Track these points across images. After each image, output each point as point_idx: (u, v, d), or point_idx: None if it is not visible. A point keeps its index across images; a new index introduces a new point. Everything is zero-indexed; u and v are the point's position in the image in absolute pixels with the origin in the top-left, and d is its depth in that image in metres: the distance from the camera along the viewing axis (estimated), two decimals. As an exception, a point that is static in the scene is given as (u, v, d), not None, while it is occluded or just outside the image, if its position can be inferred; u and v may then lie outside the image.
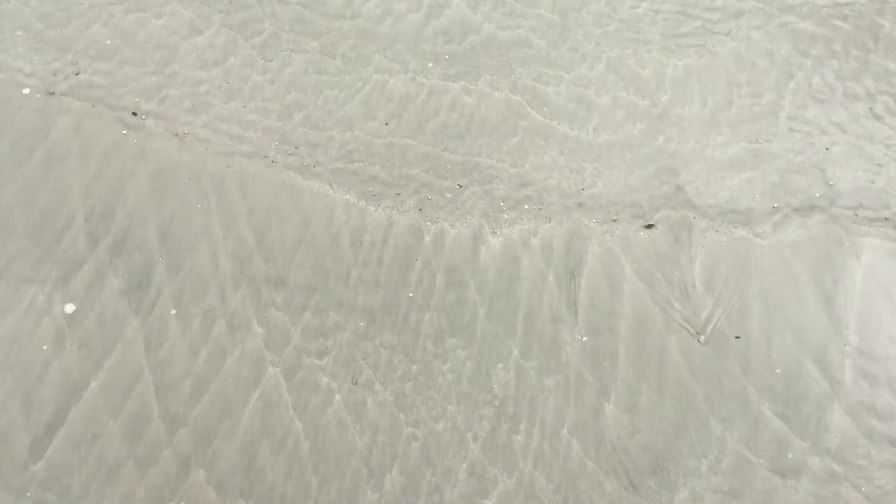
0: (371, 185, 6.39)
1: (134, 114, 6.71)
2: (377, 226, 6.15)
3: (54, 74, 6.93)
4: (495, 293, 5.85)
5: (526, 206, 6.32)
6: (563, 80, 7.19)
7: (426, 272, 5.92)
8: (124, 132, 6.58)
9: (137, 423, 5.19)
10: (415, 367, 5.50)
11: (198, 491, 4.96)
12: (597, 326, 5.73)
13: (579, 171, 6.56)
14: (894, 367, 5.59)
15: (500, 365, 5.53)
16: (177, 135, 6.60)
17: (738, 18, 7.76)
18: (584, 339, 5.67)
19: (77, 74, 6.93)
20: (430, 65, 7.24)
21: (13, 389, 5.28)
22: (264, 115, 6.78)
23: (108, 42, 7.19)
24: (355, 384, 5.41)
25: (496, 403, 5.37)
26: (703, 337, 5.69)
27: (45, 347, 5.44)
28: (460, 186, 6.41)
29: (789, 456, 5.22)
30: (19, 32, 7.22)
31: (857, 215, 6.35)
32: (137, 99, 6.82)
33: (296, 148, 6.58)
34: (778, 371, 5.56)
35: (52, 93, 6.79)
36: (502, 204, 6.33)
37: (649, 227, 6.24)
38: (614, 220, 6.27)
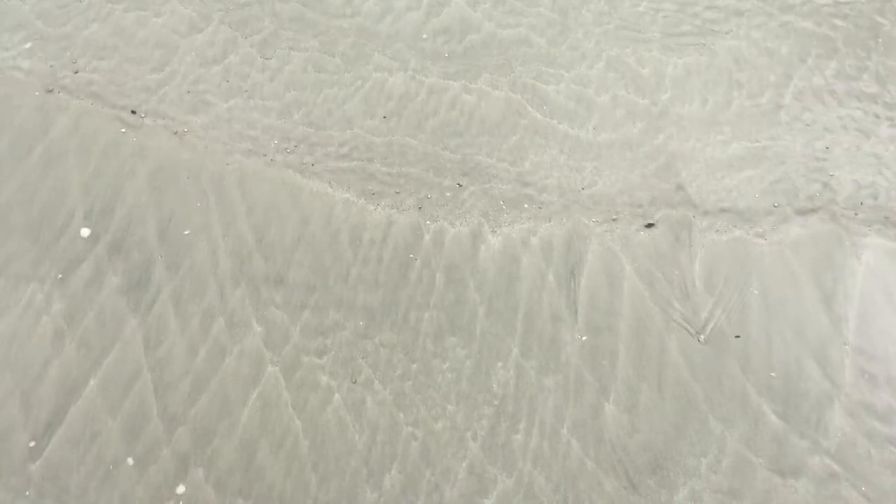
0: (370, 184, 6.38)
1: (133, 112, 6.71)
2: (377, 224, 6.14)
3: (53, 73, 6.92)
4: (495, 292, 5.84)
5: (526, 205, 6.32)
6: (562, 79, 7.18)
7: (426, 271, 5.92)
8: (123, 130, 6.57)
9: (136, 421, 5.18)
10: (414, 366, 5.49)
11: (197, 490, 4.96)
12: (596, 326, 5.72)
13: (579, 169, 6.55)
14: (894, 367, 5.58)
15: (500, 364, 5.52)
16: (176, 133, 6.59)
17: (739, 17, 7.75)
18: (584, 338, 5.66)
19: (76, 73, 6.92)
20: (430, 63, 7.23)
21: (12, 388, 5.27)
22: (264, 114, 6.77)
23: (108, 40, 7.18)
24: (355, 383, 5.40)
25: (496, 403, 5.37)
26: (702, 336, 5.68)
27: (43, 346, 5.43)
28: (460, 185, 6.41)
29: (789, 455, 5.22)
30: (18, 30, 7.21)
31: (857, 215, 6.34)
32: (137, 97, 6.81)
33: (295, 146, 6.57)
34: (778, 371, 5.56)
35: (51, 91, 6.78)
36: (502, 203, 6.32)
37: (649, 226, 6.23)
38: (614, 220, 6.26)
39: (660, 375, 5.52)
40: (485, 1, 7.76)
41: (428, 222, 6.18)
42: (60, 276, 5.74)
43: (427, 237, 6.09)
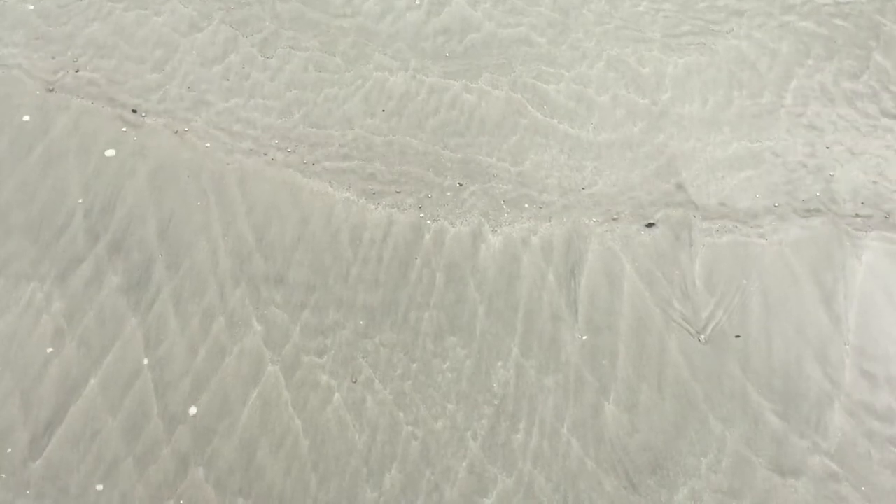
0: (371, 183, 6.38)
1: (133, 111, 6.71)
2: (377, 224, 6.14)
3: (54, 72, 6.92)
4: (495, 291, 5.84)
5: (526, 205, 6.32)
6: (563, 79, 7.18)
7: (426, 270, 5.92)
8: (124, 129, 6.57)
9: (136, 421, 5.18)
10: (414, 365, 5.49)
11: (197, 489, 4.96)
12: (597, 325, 5.72)
13: (579, 169, 6.55)
14: (895, 368, 5.58)
15: (500, 363, 5.52)
16: (176, 132, 6.59)
17: (739, 17, 7.75)
18: (584, 337, 5.66)
19: (77, 72, 6.92)
20: (431, 62, 7.22)
21: (12, 387, 5.27)
22: (264, 113, 6.77)
23: (108, 39, 7.18)
24: (355, 382, 5.40)
25: (496, 402, 5.37)
26: (703, 336, 5.68)
27: (43, 345, 5.43)
28: (460, 185, 6.41)
29: (789, 455, 5.22)
30: (19, 29, 7.21)
31: (857, 215, 6.34)
32: (137, 96, 6.81)
33: (296, 146, 6.57)
34: (778, 370, 5.56)
35: (52, 90, 6.78)
36: (502, 202, 6.32)
37: (650, 225, 6.23)
38: (614, 219, 6.26)
39: (660, 375, 5.52)
40: (485, 1, 7.76)
41: (428, 222, 6.18)
42: (62, 273, 5.74)
43: (427, 236, 6.09)
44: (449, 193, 6.36)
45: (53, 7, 7.39)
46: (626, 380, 5.50)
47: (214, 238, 5.98)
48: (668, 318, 5.77)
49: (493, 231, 6.15)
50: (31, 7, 7.38)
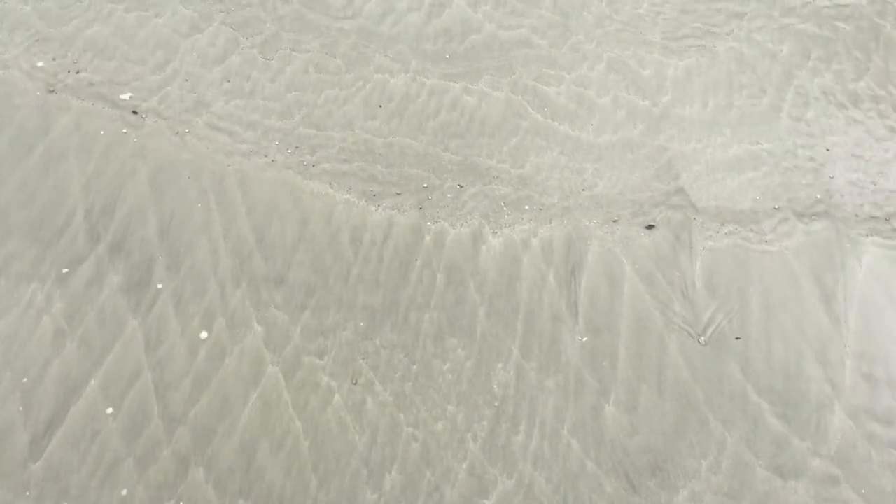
0: (371, 185, 6.38)
1: (134, 112, 6.71)
2: (377, 225, 6.14)
3: (55, 73, 6.92)
4: (495, 293, 5.84)
5: (526, 207, 6.32)
6: (563, 81, 7.18)
7: (426, 272, 5.92)
8: (124, 130, 6.58)
9: (137, 421, 5.18)
10: (415, 367, 5.49)
11: (197, 490, 4.95)
12: (597, 327, 5.72)
13: (580, 171, 6.55)
14: (895, 370, 5.58)
15: (500, 365, 5.52)
16: (177, 133, 6.60)
17: (739, 19, 7.76)
18: (584, 339, 5.66)
19: (78, 73, 6.92)
20: (431, 64, 7.23)
21: (12, 387, 5.27)
22: (265, 114, 6.77)
23: (109, 40, 7.18)
24: (355, 384, 5.40)
25: (496, 404, 5.37)
26: (703, 338, 5.68)
27: (44, 345, 5.43)
28: (461, 186, 6.41)
29: (789, 457, 5.22)
30: (20, 30, 7.21)
31: (857, 217, 6.34)
32: (138, 97, 6.81)
33: (296, 147, 6.57)
34: (778, 372, 5.56)
35: (53, 91, 6.78)
36: (503, 204, 6.33)
37: (650, 227, 6.24)
38: (615, 221, 6.27)
39: (660, 377, 5.52)
40: (486, 2, 7.76)
41: (429, 223, 6.18)
42: (64, 271, 5.74)
43: (428, 238, 6.09)
44: (449, 195, 6.36)
45: (54, 8, 7.39)
46: (627, 381, 5.50)
47: (215, 239, 5.98)
48: (669, 320, 5.77)
49: (494, 233, 6.16)
50: (33, 8, 7.39)
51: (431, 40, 7.43)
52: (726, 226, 6.27)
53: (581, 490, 5.05)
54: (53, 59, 7.02)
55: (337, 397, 5.34)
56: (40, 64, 6.97)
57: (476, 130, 6.79)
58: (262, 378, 5.39)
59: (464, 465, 5.12)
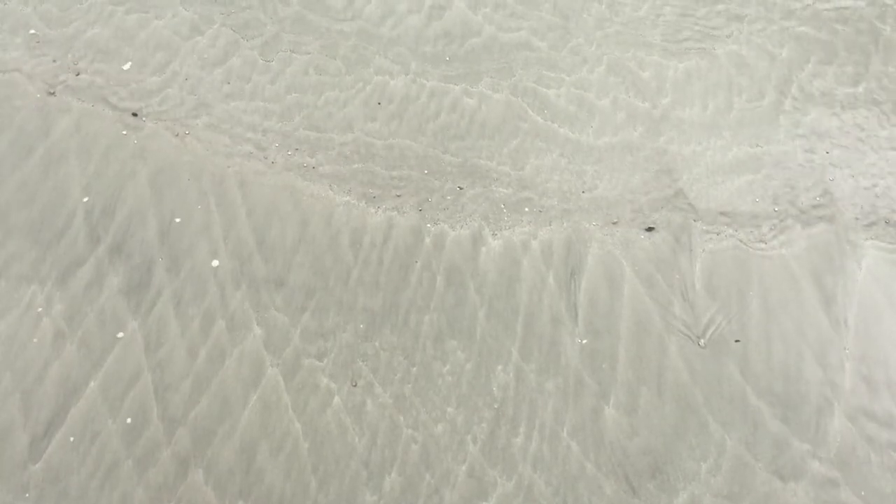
0: (371, 187, 6.38)
1: (134, 114, 6.71)
2: (377, 227, 6.14)
3: (55, 74, 6.93)
4: (495, 295, 5.85)
5: (526, 209, 6.32)
6: (563, 83, 7.19)
7: (426, 273, 5.92)
8: (124, 132, 6.58)
9: (137, 423, 5.18)
10: (414, 368, 5.49)
11: (196, 491, 4.95)
12: (597, 329, 5.72)
13: (580, 173, 6.56)
14: (894, 372, 5.58)
15: (500, 367, 5.53)
16: (177, 135, 6.60)
17: (739, 22, 7.76)
18: (584, 341, 5.66)
19: (78, 74, 6.93)
20: (431, 66, 7.24)
21: (12, 389, 5.27)
22: (265, 116, 6.78)
23: (109, 42, 7.19)
24: (355, 386, 5.40)
25: (495, 406, 5.37)
26: (703, 340, 5.69)
27: (44, 347, 5.43)
28: (461, 188, 6.41)
29: (789, 460, 5.22)
30: (20, 32, 7.22)
31: (857, 219, 6.34)
32: (138, 99, 6.82)
33: (296, 149, 6.58)
34: (778, 374, 5.56)
35: (53, 93, 6.79)
36: (503, 206, 6.33)
37: (650, 230, 6.24)
38: (615, 223, 6.27)
39: (660, 379, 5.52)
40: (486, 4, 7.77)
41: (428, 225, 6.18)
42: (62, 275, 5.75)
43: (428, 240, 6.09)
44: (449, 197, 6.37)
45: (55, 10, 7.40)
46: (626, 383, 5.50)
47: (215, 241, 5.98)
48: (668, 323, 5.77)
49: (494, 235, 6.16)
50: (33, 10, 7.39)
51: (431, 42, 7.44)
52: (726, 228, 6.28)
53: (581, 492, 5.05)
54: (54, 61, 7.02)
55: (337, 399, 5.34)
56: (40, 66, 6.97)
57: (476, 132, 6.79)
58: (261, 380, 5.39)
59: (463, 467, 5.12)
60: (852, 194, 6.51)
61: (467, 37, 7.51)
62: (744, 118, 7.00)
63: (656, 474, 5.15)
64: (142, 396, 5.28)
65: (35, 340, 5.47)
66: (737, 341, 5.69)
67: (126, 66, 6.95)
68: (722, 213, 6.36)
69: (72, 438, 5.11)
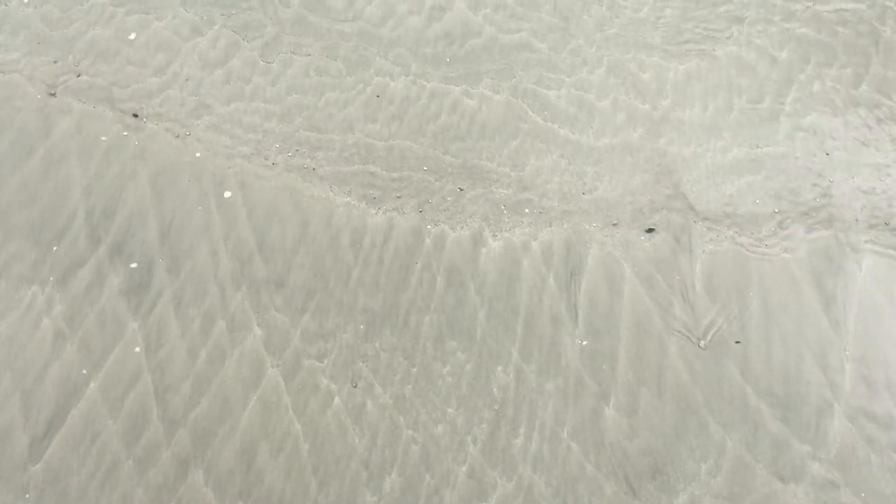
0: (371, 188, 6.38)
1: (135, 115, 6.72)
2: (377, 228, 6.15)
3: (56, 75, 6.93)
4: (495, 296, 5.85)
5: (526, 210, 6.32)
6: (563, 84, 7.19)
7: (426, 274, 5.92)
8: (125, 133, 6.59)
9: (137, 423, 5.18)
10: (414, 369, 5.49)
11: (196, 492, 4.95)
12: (597, 330, 5.72)
13: (580, 174, 6.56)
14: (894, 373, 5.58)
15: (500, 368, 5.53)
16: (177, 136, 6.61)
17: (740, 24, 7.77)
18: (584, 342, 5.66)
19: (79, 76, 6.94)
20: (431, 68, 7.24)
21: (13, 389, 5.27)
22: (265, 117, 6.78)
23: (110, 43, 7.20)
24: (355, 386, 5.40)
25: (496, 406, 5.37)
26: (703, 341, 5.69)
27: (44, 347, 5.44)
28: (461, 189, 6.41)
29: (789, 461, 5.22)
30: (21, 33, 7.22)
31: (857, 221, 6.35)
32: (139, 100, 6.82)
33: (296, 150, 6.58)
34: (778, 375, 5.56)
35: (54, 94, 6.79)
36: (503, 207, 6.33)
37: (650, 231, 6.24)
38: (615, 224, 6.27)
39: (660, 380, 5.52)
40: (486, 6, 7.78)
41: (429, 226, 6.18)
42: (63, 276, 5.75)
43: (428, 241, 6.09)
44: (449, 198, 6.37)
45: (56, 11, 7.41)
46: (626, 384, 5.50)
47: (215, 241, 5.98)
48: (668, 324, 5.77)
49: (494, 236, 6.16)
50: (34, 11, 7.40)
51: (432, 44, 7.44)
52: (726, 229, 6.28)
53: (581, 493, 5.05)
54: (55, 62, 7.03)
55: (337, 400, 5.34)
56: (41, 67, 6.98)
57: (476, 133, 6.80)
58: (262, 381, 5.39)
59: (463, 468, 5.12)
60: (852, 196, 6.51)
61: (468, 38, 7.52)
62: (744, 119, 7.01)
63: (656, 475, 5.15)
64: (142, 397, 5.28)
65: (35, 341, 5.47)
66: (737, 342, 5.69)
67: (131, 36, 6.96)
68: (722, 215, 6.36)
69: (72, 439, 5.11)
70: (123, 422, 5.18)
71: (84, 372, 5.36)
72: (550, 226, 6.24)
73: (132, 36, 7.26)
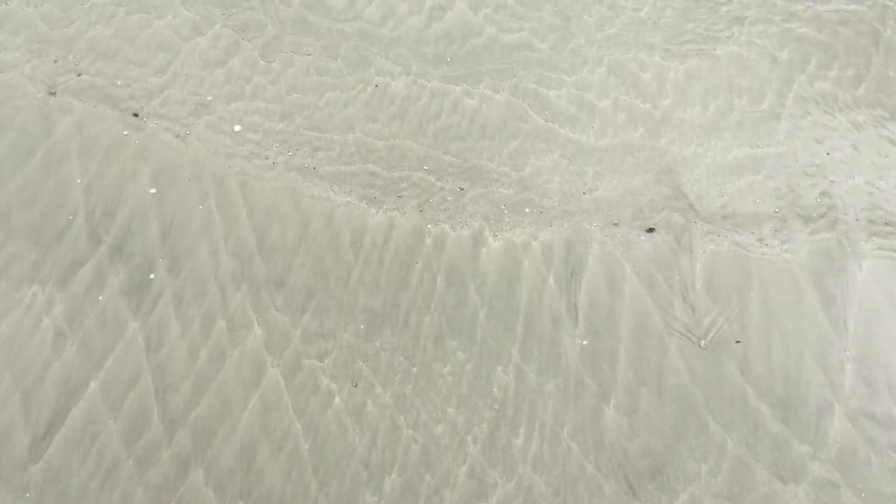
0: (372, 187, 6.39)
1: (135, 114, 6.72)
2: (378, 227, 6.15)
3: (56, 75, 6.93)
4: (496, 295, 5.85)
5: (527, 210, 6.32)
6: (564, 84, 7.19)
7: (427, 274, 5.92)
8: (126, 133, 6.59)
9: (137, 423, 5.18)
10: (415, 369, 5.50)
11: (197, 492, 4.95)
12: (597, 330, 5.72)
13: (580, 174, 6.56)
14: (895, 373, 5.58)
15: (500, 368, 5.53)
16: (178, 135, 6.60)
17: (741, 24, 7.77)
18: (585, 342, 5.66)
19: (79, 75, 6.93)
20: (432, 67, 7.24)
21: (13, 389, 5.27)
22: (266, 117, 6.78)
23: (111, 43, 7.20)
24: (355, 386, 5.40)
25: (496, 406, 5.37)
26: (703, 341, 5.69)
27: (44, 347, 5.44)
28: (461, 189, 6.42)
29: (789, 461, 5.22)
30: (21, 33, 7.22)
31: (858, 220, 6.35)
32: (139, 100, 6.82)
33: (297, 149, 6.58)
34: (778, 375, 5.56)
35: (54, 93, 6.79)
36: (503, 207, 6.33)
37: (650, 231, 6.24)
38: (615, 224, 6.27)
39: (660, 380, 5.52)
40: (487, 5, 7.78)
41: (429, 226, 6.18)
42: (63, 275, 5.75)
43: (428, 240, 6.09)
44: (450, 198, 6.37)
45: (56, 10, 7.40)
46: (627, 384, 5.50)
47: (215, 241, 5.99)
48: (669, 324, 5.77)
49: (494, 235, 6.16)
50: (34, 10, 7.40)
51: (432, 43, 7.44)
52: (726, 229, 6.28)
53: (581, 493, 5.05)
54: (55, 61, 7.03)
55: (337, 400, 5.35)
56: (41, 66, 6.98)
57: (477, 133, 6.80)
58: (262, 380, 5.39)
59: (463, 468, 5.12)
60: (853, 195, 6.51)
61: (468, 38, 7.52)
62: (744, 119, 7.01)
63: (656, 475, 5.15)
64: (142, 397, 5.28)
65: (35, 341, 5.47)
66: (737, 342, 5.69)
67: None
68: (722, 215, 6.36)
69: (72, 439, 5.12)
70: (124, 422, 5.18)
71: (84, 372, 5.37)
72: (551, 225, 6.24)
73: (133, 35, 7.25)
